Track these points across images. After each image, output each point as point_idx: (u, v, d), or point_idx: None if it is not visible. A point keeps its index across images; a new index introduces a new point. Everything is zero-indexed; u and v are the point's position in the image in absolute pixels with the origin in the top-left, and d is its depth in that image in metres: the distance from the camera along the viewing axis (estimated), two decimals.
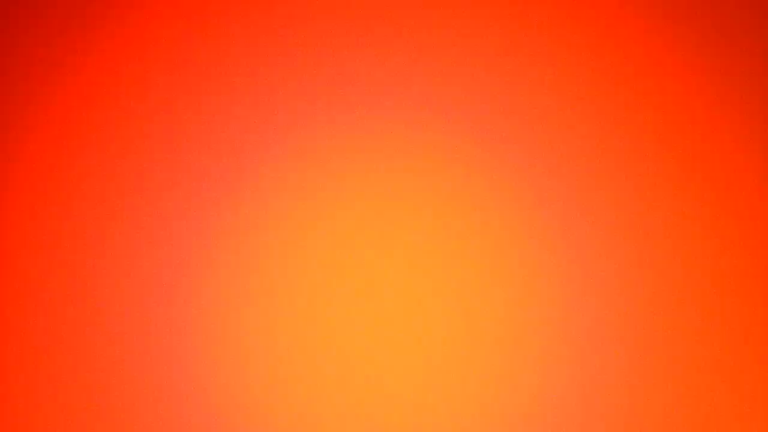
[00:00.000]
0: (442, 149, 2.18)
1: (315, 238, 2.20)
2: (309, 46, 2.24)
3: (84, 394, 2.25)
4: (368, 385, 2.16)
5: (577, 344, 2.11)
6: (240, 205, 2.23)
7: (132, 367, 2.24)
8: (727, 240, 2.09)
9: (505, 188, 2.15)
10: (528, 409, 2.12)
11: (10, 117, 2.33)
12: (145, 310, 2.24)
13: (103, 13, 2.31)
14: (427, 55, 2.20)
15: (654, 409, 2.09)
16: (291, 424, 2.18)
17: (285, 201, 2.22)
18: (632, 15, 2.14)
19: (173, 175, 2.26)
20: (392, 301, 2.17)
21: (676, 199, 2.11)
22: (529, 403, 2.11)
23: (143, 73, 2.29)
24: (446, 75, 2.19)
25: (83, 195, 2.29)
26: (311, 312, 2.19)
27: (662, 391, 2.08)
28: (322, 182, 2.21)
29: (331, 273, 2.19)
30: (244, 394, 2.20)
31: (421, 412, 2.15)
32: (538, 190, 2.14)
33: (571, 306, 2.11)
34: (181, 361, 2.22)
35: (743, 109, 2.10)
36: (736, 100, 2.10)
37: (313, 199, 2.21)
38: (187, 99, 2.27)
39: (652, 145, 2.12)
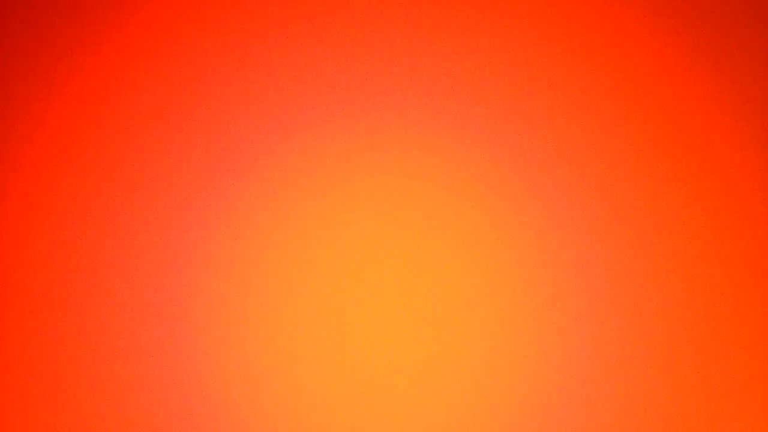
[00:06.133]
0: (442, 150, 2.18)
1: (315, 239, 2.20)
2: (310, 47, 2.24)
3: (84, 395, 2.25)
4: (368, 384, 2.16)
5: (575, 344, 2.11)
6: (240, 207, 2.23)
7: (132, 367, 2.24)
8: (726, 239, 2.09)
9: (505, 189, 2.15)
10: (527, 408, 2.12)
11: (11, 117, 2.33)
12: (146, 311, 2.24)
13: (104, 13, 2.32)
14: (425, 56, 2.20)
15: (652, 407, 2.09)
16: (291, 424, 2.18)
17: (286, 201, 2.22)
18: (632, 15, 2.14)
19: (174, 176, 2.26)
20: (392, 301, 2.17)
21: (675, 198, 2.11)
22: (528, 402, 2.11)
23: (144, 74, 2.29)
24: (444, 76, 2.19)
25: (84, 195, 2.29)
26: (311, 312, 2.19)
27: (660, 390, 2.08)
28: (322, 183, 2.21)
29: (331, 273, 2.19)
30: (244, 394, 2.20)
31: (420, 410, 2.15)
32: (538, 190, 2.14)
33: (569, 306, 2.11)
34: (181, 361, 2.22)
35: (743, 109, 2.10)
36: (736, 100, 2.10)
37: (313, 200, 2.21)
38: (188, 100, 2.27)
39: (651, 145, 2.12)
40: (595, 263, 2.11)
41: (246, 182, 2.23)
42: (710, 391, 2.07)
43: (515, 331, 2.13)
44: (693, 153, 2.11)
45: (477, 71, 2.18)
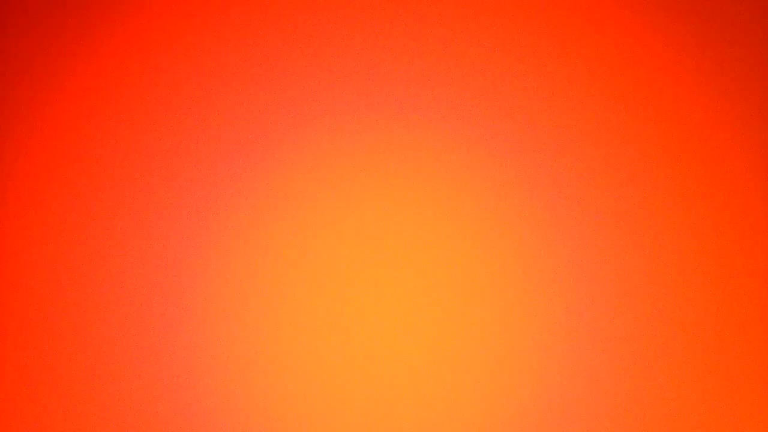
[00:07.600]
0: (442, 151, 2.18)
1: (316, 239, 2.20)
2: (310, 47, 2.24)
3: (84, 395, 2.25)
4: (368, 384, 2.16)
5: (576, 344, 2.11)
6: (241, 207, 2.23)
7: (133, 368, 2.24)
8: (726, 239, 2.09)
9: (505, 189, 2.15)
10: (529, 407, 2.12)
11: (11, 117, 2.33)
12: (146, 311, 2.24)
13: (104, 12, 2.32)
14: (425, 56, 2.20)
15: (653, 407, 2.09)
16: (292, 424, 2.18)
17: (286, 201, 2.22)
18: (632, 15, 2.14)
19: (174, 176, 2.26)
20: (393, 301, 2.17)
21: (675, 199, 2.11)
22: (529, 402, 2.12)
23: (144, 74, 2.29)
24: (444, 76, 2.19)
25: (84, 194, 2.29)
26: (312, 313, 2.19)
27: (659, 390, 2.08)
28: (323, 183, 2.21)
29: (332, 274, 2.19)
30: (244, 394, 2.20)
31: (421, 410, 2.15)
32: (538, 191, 2.14)
33: (570, 306, 2.11)
34: (181, 362, 2.22)
35: (743, 109, 2.10)
36: (736, 100, 2.11)
37: (314, 200, 2.21)
38: (189, 99, 2.27)
39: (651, 145, 2.12)
40: (596, 263, 2.12)
41: (245, 182, 2.23)
42: (711, 391, 2.07)
43: (516, 332, 2.13)
44: (694, 152, 2.11)
45: (479, 73, 2.18)
